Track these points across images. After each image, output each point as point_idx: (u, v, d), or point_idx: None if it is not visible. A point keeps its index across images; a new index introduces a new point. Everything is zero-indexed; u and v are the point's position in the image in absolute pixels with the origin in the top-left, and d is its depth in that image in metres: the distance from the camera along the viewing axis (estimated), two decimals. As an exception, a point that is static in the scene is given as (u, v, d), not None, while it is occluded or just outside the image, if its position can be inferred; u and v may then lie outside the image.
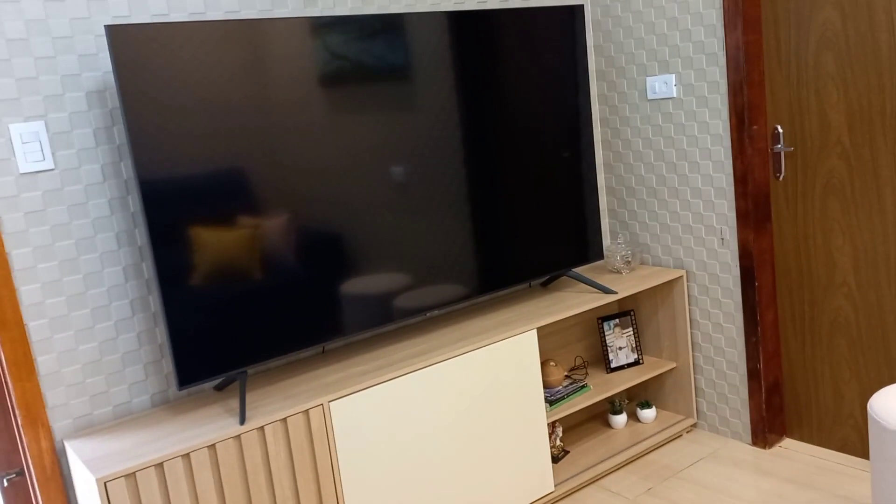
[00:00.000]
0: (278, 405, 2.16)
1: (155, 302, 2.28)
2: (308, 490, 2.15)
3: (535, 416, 2.63)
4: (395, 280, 2.47)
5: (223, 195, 2.14)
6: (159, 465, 1.93)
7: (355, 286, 2.39)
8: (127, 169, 2.21)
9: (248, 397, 2.26)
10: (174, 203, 2.06)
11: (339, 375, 2.33)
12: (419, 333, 2.64)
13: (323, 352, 2.58)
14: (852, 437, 2.80)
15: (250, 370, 2.47)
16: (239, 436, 2.04)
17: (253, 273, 2.20)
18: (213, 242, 2.13)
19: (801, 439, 2.96)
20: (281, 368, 2.48)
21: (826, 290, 2.77)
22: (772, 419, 2.94)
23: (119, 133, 2.20)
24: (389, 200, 2.44)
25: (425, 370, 2.35)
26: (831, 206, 2.70)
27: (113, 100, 2.18)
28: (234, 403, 2.23)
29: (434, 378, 2.37)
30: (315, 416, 2.15)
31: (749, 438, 2.99)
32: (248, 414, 2.12)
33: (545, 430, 2.66)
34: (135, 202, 2.23)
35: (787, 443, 2.97)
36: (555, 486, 2.73)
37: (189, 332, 2.11)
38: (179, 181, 2.07)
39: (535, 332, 2.60)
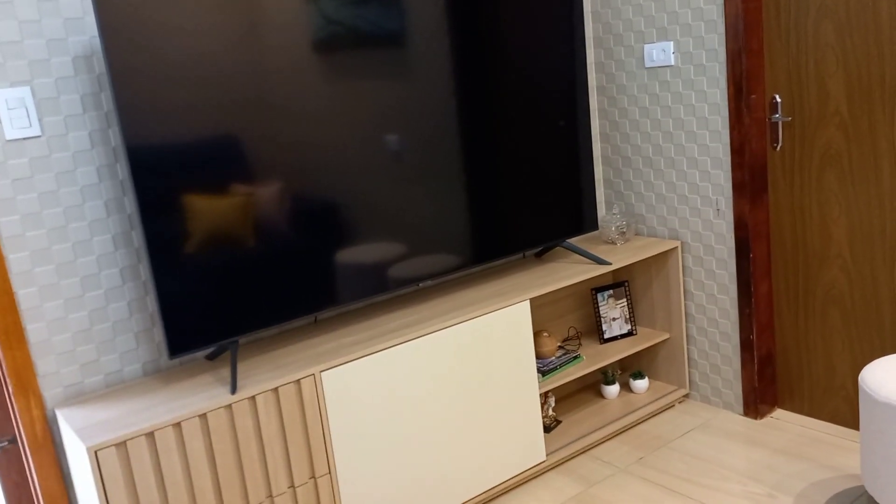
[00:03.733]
0: (270, 375, 2.15)
1: (145, 271, 2.26)
2: (300, 459, 2.16)
3: (527, 387, 2.63)
4: (388, 249, 2.46)
5: (214, 163, 2.11)
6: (150, 435, 1.93)
7: (348, 256, 2.37)
8: (115, 136, 2.18)
9: (240, 367, 2.25)
10: (163, 171, 2.03)
11: (331, 345, 2.32)
12: (412, 304, 2.63)
13: (315, 322, 2.57)
14: (843, 409, 2.81)
15: (242, 340, 2.46)
16: (230, 405, 2.04)
17: (245, 242, 2.18)
18: (204, 211, 2.11)
19: (793, 410, 2.97)
20: (272, 338, 2.47)
21: (821, 263, 2.76)
22: (763, 390, 2.96)
23: (107, 99, 2.16)
24: (383, 169, 2.41)
25: (418, 340, 2.35)
26: (828, 177, 2.68)
27: (100, 65, 2.14)
28: (226, 373, 2.23)
29: (426, 348, 2.37)
30: (307, 385, 2.15)
31: (741, 409, 3.00)
32: (239, 383, 2.12)
33: (537, 401, 2.67)
34: (123, 170, 2.21)
35: (779, 413, 2.98)
36: (546, 455, 2.75)
37: (180, 301, 2.09)
38: (169, 149, 2.04)
39: (528, 302, 2.59)
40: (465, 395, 2.48)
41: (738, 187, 2.80)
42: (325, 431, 2.19)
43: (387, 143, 2.41)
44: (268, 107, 2.18)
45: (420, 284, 2.54)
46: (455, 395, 2.45)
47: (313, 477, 2.19)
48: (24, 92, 2.03)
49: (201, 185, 2.09)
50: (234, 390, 2.06)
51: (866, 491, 2.42)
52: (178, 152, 2.05)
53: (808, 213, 2.76)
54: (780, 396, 3.00)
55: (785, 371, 2.96)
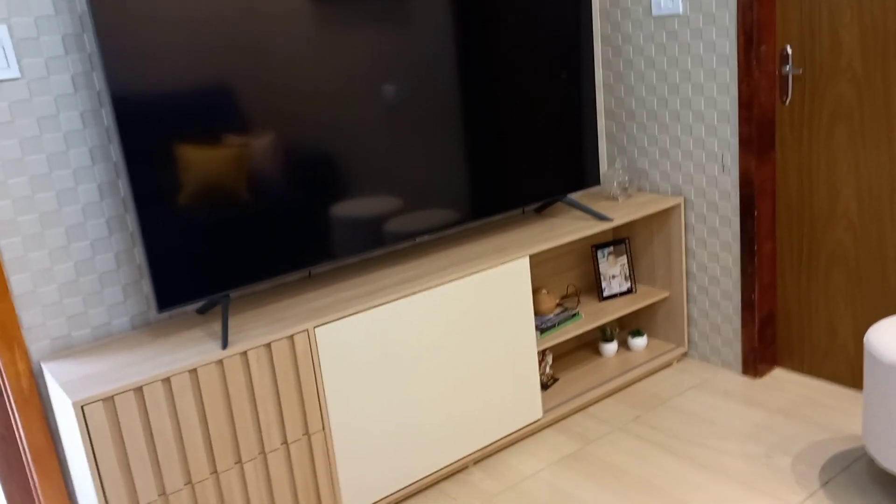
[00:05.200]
0: (262, 330, 2.10)
1: (132, 221, 2.18)
2: (293, 416, 2.12)
3: (525, 344, 2.58)
4: (385, 203, 2.38)
5: (205, 111, 2.02)
6: (138, 389, 1.87)
7: (344, 209, 2.30)
8: (100, 80, 2.08)
9: (232, 321, 2.19)
10: (150, 119, 1.94)
11: (326, 301, 2.26)
12: (409, 259, 2.57)
13: (309, 276, 2.50)
14: (843, 369, 2.78)
15: (233, 294, 2.40)
16: (221, 360, 1.98)
17: (237, 194, 2.10)
18: (194, 161, 2.02)
19: (792, 370, 2.94)
20: (265, 292, 2.41)
21: (827, 222, 2.70)
22: (763, 350, 2.92)
23: (90, 41, 2.05)
24: (380, 120, 2.32)
25: (414, 296, 2.29)
26: (838, 133, 2.60)
27: (82, 4, 2.03)
28: (217, 327, 2.17)
29: (423, 304, 2.31)
30: (300, 341, 2.09)
31: (739, 368, 2.97)
32: (230, 338, 2.06)
33: (535, 358, 2.62)
34: (108, 116, 2.11)
35: (778, 373, 2.95)
36: (543, 412, 2.72)
37: (168, 253, 2.02)
38: (156, 95, 1.94)
39: (527, 258, 2.53)
40: (462, 352, 2.43)
41: (745, 142, 2.72)
42: (319, 388, 2.15)
43: (385, 93, 2.32)
44: (261, 53, 2.08)
45: (417, 239, 2.47)
46: (452, 352, 2.40)
47: (307, 433, 2.15)
48: (2, 31, 1.93)
49: (191, 134, 2.00)
50: (225, 345, 2.01)
51: (867, 452, 2.40)
52: (165, 99, 1.96)
53: (816, 170, 2.68)
54: (780, 356, 2.97)
55: (786, 331, 2.92)
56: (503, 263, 2.47)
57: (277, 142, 2.15)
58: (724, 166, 2.81)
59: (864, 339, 2.13)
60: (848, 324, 2.73)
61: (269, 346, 2.05)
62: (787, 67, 2.67)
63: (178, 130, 1.99)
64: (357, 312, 2.19)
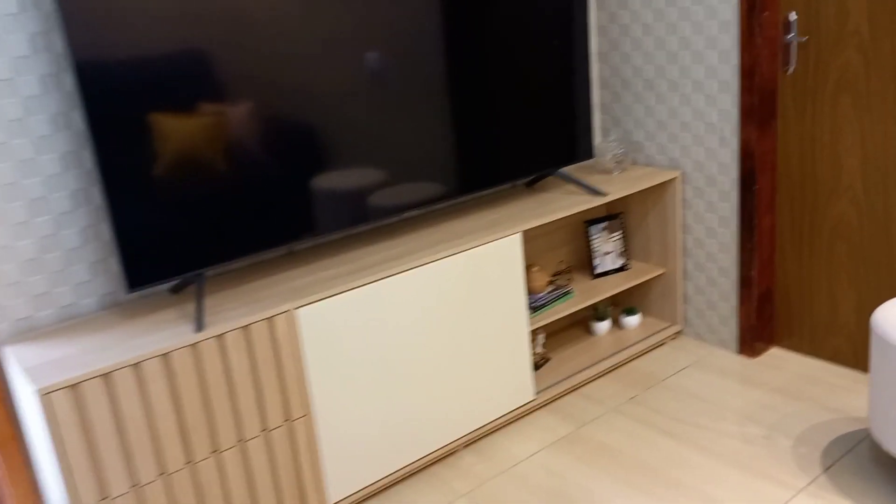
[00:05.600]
0: (240, 311, 1.97)
1: (99, 195, 2.04)
2: (274, 401, 2.00)
3: (517, 324, 2.47)
4: (370, 176, 2.25)
5: (176, 78, 1.87)
6: (107, 376, 1.75)
7: (326, 182, 2.16)
8: (61, 42, 1.92)
9: (207, 302, 2.06)
10: (116, 86, 1.79)
11: (308, 279, 2.14)
12: (395, 235, 2.44)
13: (290, 253, 2.37)
14: (844, 348, 2.70)
15: (209, 272, 2.26)
16: (196, 344, 1.86)
17: (212, 165, 1.96)
18: (166, 131, 1.88)
19: (790, 349, 2.86)
20: (243, 270, 2.28)
21: (830, 195, 2.60)
22: (761, 328, 2.83)
23: (49, -2, 1.90)
24: (364, 89, 2.18)
25: (402, 275, 2.17)
26: (843, 103, 2.49)
27: (40, -42, 1.87)
28: (191, 308, 2.04)
29: (411, 283, 2.19)
30: (281, 323, 1.97)
31: (736, 347, 2.89)
32: (206, 320, 1.93)
33: (527, 339, 2.52)
34: (70, 81, 1.96)
35: (775, 352, 2.87)
36: (535, 393, 2.62)
37: (138, 229, 1.88)
38: (124, 60, 1.79)
39: (520, 235, 2.41)
40: (452, 333, 2.32)
41: (747, 113, 2.61)
42: (302, 371, 2.03)
43: (368, 61, 2.18)
44: (237, 15, 1.93)
45: (404, 214, 2.34)
46: (441, 333, 2.29)
47: (289, 419, 2.04)
48: (-49, -14, 1.76)
49: (162, 101, 1.86)
50: (199, 328, 1.88)
51: (870, 435, 2.33)
52: (133, 64, 1.81)
53: (819, 141, 2.58)
54: (778, 334, 2.88)
55: (784, 308, 2.83)
56: (495, 240, 2.36)
57: (255, 111, 2.00)
58: (723, 138, 2.70)
59: (871, 319, 2.04)
60: (850, 301, 2.64)
61: (247, 328, 1.92)
62: (791, 35, 2.55)
63: (148, 98, 1.84)
64: (341, 292, 2.06)
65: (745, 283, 2.78)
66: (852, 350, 2.68)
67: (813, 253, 2.69)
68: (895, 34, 2.32)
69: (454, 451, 2.45)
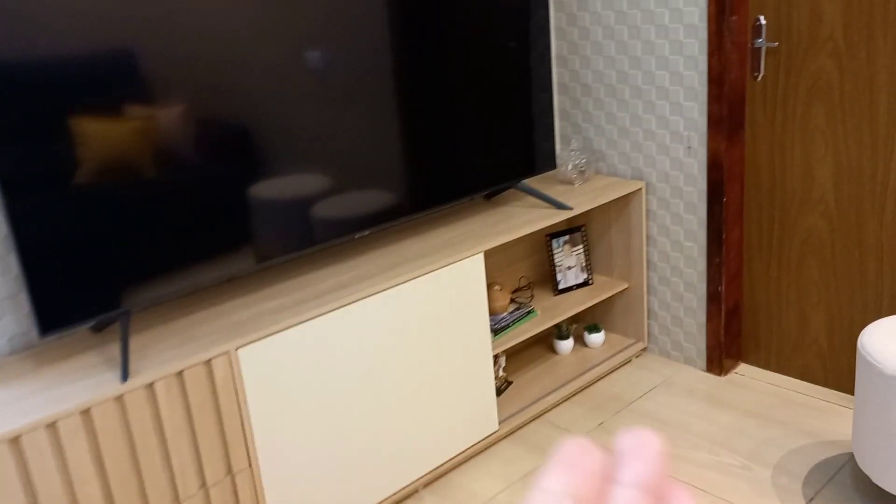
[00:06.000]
0: (172, 353, 1.73)
1: (3, 220, 1.77)
2: (213, 454, 1.77)
3: (479, 351, 2.29)
4: (317, 188, 2.03)
5: (94, 78, 1.62)
6: (15, 440, 1.49)
7: (270, 197, 1.93)
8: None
9: (135, 342, 1.82)
10: (18, 86, 1.53)
11: (250, 312, 1.91)
12: (346, 257, 2.23)
13: (230, 280, 2.14)
14: (814, 366, 2.61)
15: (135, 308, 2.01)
16: (121, 396, 1.62)
17: (139, 180, 1.71)
18: (83, 138, 1.62)
19: (758, 365, 2.76)
20: (176, 302, 2.03)
21: (801, 207, 2.49)
22: (729, 345, 2.72)
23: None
24: (307, 91, 1.96)
25: (355, 305, 1.96)
26: (815, 112, 2.38)
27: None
28: (116, 349, 1.79)
29: (365, 314, 1.98)
30: (220, 366, 1.74)
31: (703, 364, 2.77)
32: (133, 366, 1.69)
33: (490, 366, 2.34)
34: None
35: (743, 369, 2.76)
36: (499, 423, 2.44)
37: (51, 262, 1.63)
38: (30, 56, 1.53)
39: (481, 255, 2.23)
40: (409, 366, 2.12)
41: (715, 122, 2.48)
42: (245, 420, 1.80)
43: (310, 59, 1.96)
44: (169, 9, 1.68)
45: (356, 235, 2.13)
46: (397, 366, 2.09)
47: (230, 473, 1.81)
48: None
49: (77, 105, 1.60)
50: (125, 376, 1.64)
51: (851, 461, 2.22)
52: (45, 62, 1.55)
53: (790, 151, 2.47)
54: (745, 351, 2.78)
55: (752, 324, 2.72)
56: (454, 262, 2.17)
57: (189, 115, 1.76)
58: (689, 148, 2.57)
59: (859, 343, 1.93)
60: (821, 316, 2.54)
61: (180, 374, 1.69)
62: (760, 40, 2.43)
63: (61, 101, 1.58)
64: (287, 328, 1.84)
65: (712, 298, 2.66)
66: (822, 367, 2.59)
67: (782, 267, 2.59)
68: (872, 40, 2.22)
69: (414, 493, 2.26)
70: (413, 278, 2.07)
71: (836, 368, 2.55)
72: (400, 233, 2.40)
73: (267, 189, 1.93)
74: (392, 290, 2.03)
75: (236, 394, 1.77)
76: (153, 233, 1.75)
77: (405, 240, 2.33)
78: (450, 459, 2.30)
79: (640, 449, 0.27)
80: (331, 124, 2.02)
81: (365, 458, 2.06)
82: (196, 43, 1.75)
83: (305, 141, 1.97)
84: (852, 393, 2.53)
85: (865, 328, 1.97)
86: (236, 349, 1.76)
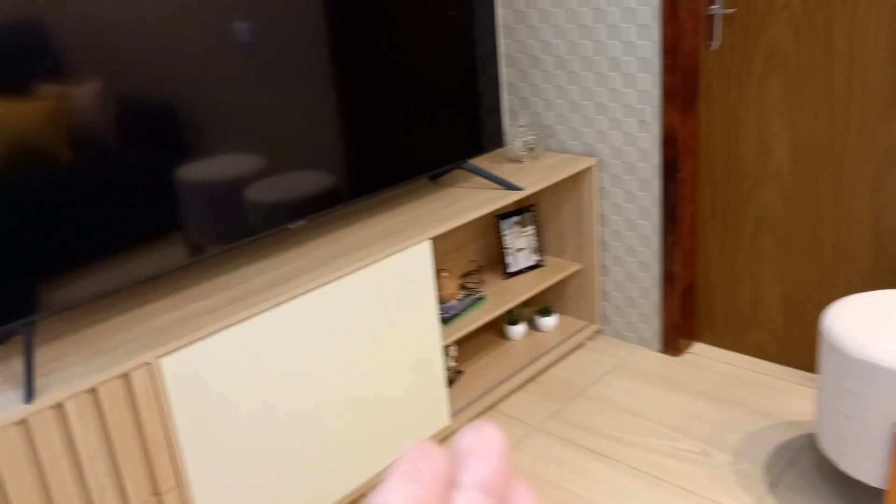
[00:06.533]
0: (85, 367, 1.54)
1: None
2: (136, 476, 1.59)
3: (429, 343, 2.16)
4: (244, 183, 1.85)
5: (-32, 64, 1.39)
6: None
7: (191, 189, 1.74)
8: None
9: (41, 355, 1.62)
10: None
11: (174, 316, 1.72)
12: (282, 250, 2.05)
13: (150, 280, 1.94)
14: (768, 343, 2.55)
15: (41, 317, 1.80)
16: (25, 419, 1.42)
17: (39, 172, 1.50)
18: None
19: (712, 344, 2.69)
20: (88, 307, 1.83)
21: (755, 182, 2.41)
22: (684, 325, 2.64)
23: None
24: (233, 63, 1.77)
25: (293, 302, 1.79)
26: (771, 82, 2.29)
27: None
28: (18, 363, 1.59)
29: (304, 311, 1.82)
30: (139, 379, 1.56)
31: (657, 345, 2.69)
32: (38, 384, 1.50)
33: (441, 358, 2.20)
34: None
35: (697, 348, 2.69)
36: (451, 418, 2.32)
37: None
38: None
39: (429, 243, 2.08)
40: (354, 366, 1.97)
41: (669, 95, 2.37)
42: (170, 435, 1.63)
43: (237, 32, 1.76)
44: (52, -21, 1.46)
45: (291, 226, 1.96)
46: (340, 367, 1.94)
47: (157, 493, 1.64)
48: None
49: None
50: (29, 397, 1.44)
51: (811, 441, 2.17)
52: None
53: (745, 125, 2.37)
54: (700, 330, 2.71)
55: (707, 302, 2.65)
56: (399, 251, 2.01)
57: (103, 95, 1.55)
58: (642, 122, 2.45)
59: (822, 326, 1.85)
60: (774, 292, 2.48)
61: (94, 391, 1.50)
62: (716, 6, 2.32)
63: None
64: (216, 332, 1.67)
65: (667, 277, 2.57)
66: (776, 343, 2.53)
67: (737, 244, 2.51)
68: (830, 6, 2.12)
69: (361, 498, 2.12)
70: (355, 270, 1.91)
71: (790, 345, 2.50)
72: (340, 221, 2.23)
73: (190, 175, 1.73)
74: (332, 284, 1.87)
75: (160, 408, 1.60)
76: (60, 228, 1.54)
77: (345, 228, 2.17)
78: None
79: (481, 446, 0.27)
80: (257, 102, 1.83)
81: (308, 467, 1.91)
82: (112, 13, 1.53)
83: (227, 121, 1.78)
84: (807, 370, 2.49)
85: (828, 309, 1.90)
86: (158, 358, 1.58)
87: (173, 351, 1.60)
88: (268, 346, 1.76)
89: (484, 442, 0.27)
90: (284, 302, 1.78)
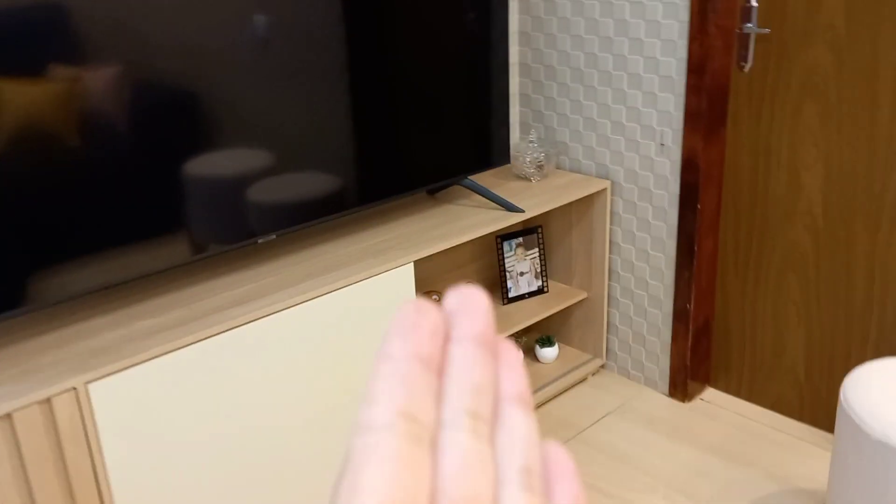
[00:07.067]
0: (2, 389, 1.39)
1: None
2: (56, 511, 1.44)
3: (407, 375, 1.97)
4: (216, 189, 1.68)
5: None
6: None
7: (148, 192, 1.58)
8: None
9: (-36, 369, 1.47)
10: None
11: (115, 335, 1.56)
12: (251, 264, 1.89)
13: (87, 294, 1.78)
14: (789, 396, 2.32)
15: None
16: (-76, 447, 1.27)
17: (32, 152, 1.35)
18: None
19: (727, 391, 2.47)
20: (15, 322, 1.68)
21: (784, 218, 2.19)
22: (696, 368, 2.42)
23: None
24: (245, 62, 1.60)
25: (249, 326, 1.62)
26: (807, 110, 2.06)
27: None
28: (-61, 379, 1.44)
29: (263, 336, 1.65)
30: (63, 405, 1.40)
31: (666, 388, 2.47)
32: (-52, 405, 1.34)
33: (420, 391, 2.02)
34: None
35: (710, 395, 2.47)
36: (429, 456, 2.13)
37: None
38: None
39: (411, 266, 1.89)
40: (320, 399, 1.79)
41: (692, 117, 2.15)
42: (98, 471, 1.47)
43: (257, 23, 1.60)
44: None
45: (259, 240, 1.79)
46: (305, 401, 1.76)
47: (82, 531, 1.48)
48: None
49: None
50: (-68, 422, 1.29)
51: (823, 516, 1.95)
52: None
53: (776, 155, 2.15)
54: (714, 375, 2.48)
55: (723, 345, 2.43)
56: (377, 274, 1.83)
57: (116, 82, 1.40)
58: (662, 145, 2.24)
59: (841, 393, 1.63)
60: (799, 341, 2.25)
61: (8, 417, 1.35)
62: (750, 24, 2.10)
63: None
64: (158, 356, 1.50)
65: (679, 315, 2.36)
66: (798, 398, 2.30)
67: (759, 284, 2.29)
68: (877, 29, 1.89)
69: (323, 538, 1.95)
70: (325, 293, 1.74)
71: (812, 400, 2.27)
72: (320, 234, 2.06)
73: (163, 175, 1.57)
74: (298, 307, 1.70)
75: (87, 440, 1.43)
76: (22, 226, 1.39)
77: (326, 244, 1.99)
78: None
79: (467, 306, 0.27)
80: (249, 97, 1.66)
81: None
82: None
83: (200, 120, 1.62)
84: (829, 430, 2.25)
85: (849, 375, 1.67)
86: (86, 384, 1.42)
87: (106, 376, 1.44)
88: (219, 374, 1.59)
89: (468, 301, 0.28)
90: (240, 325, 1.61)
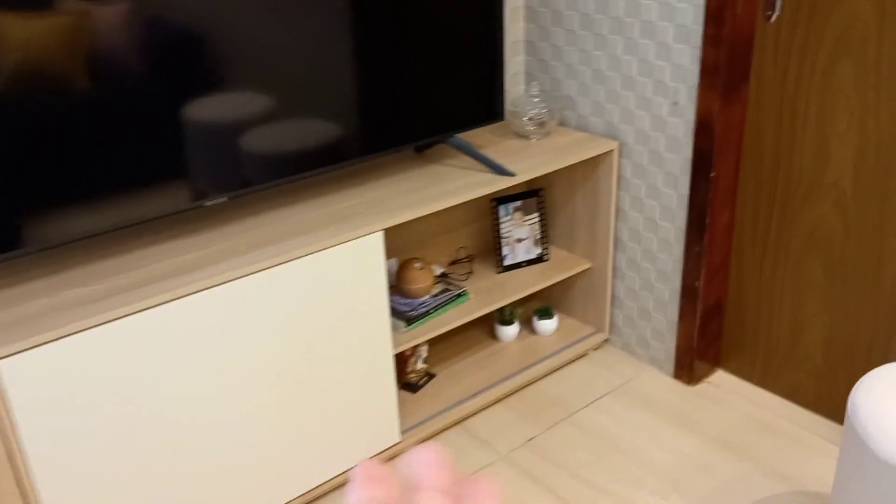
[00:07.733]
0: None
1: None
2: (-30, 492, 1.34)
3: (375, 353, 1.83)
4: (178, 138, 1.53)
5: None
6: None
7: (113, 135, 1.44)
8: None
9: None
10: None
11: (41, 303, 1.44)
12: (208, 226, 1.74)
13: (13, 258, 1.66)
14: (806, 385, 2.11)
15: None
16: None
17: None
18: None
19: (739, 376, 2.27)
20: (-32, 275, 1.57)
21: (809, 191, 1.95)
22: (704, 348, 2.23)
23: None
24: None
25: (190, 298, 1.49)
26: (841, 69, 1.80)
27: None
28: None
29: (206, 308, 1.51)
30: (-30, 383, 1.29)
31: (671, 369, 2.29)
32: None
33: (391, 370, 1.88)
34: None
35: (720, 377, 2.28)
36: (401, 434, 2.00)
37: None
38: None
39: (381, 234, 1.73)
40: (277, 378, 1.66)
41: (709, 72, 1.91)
42: (15, 454, 1.36)
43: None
44: None
45: (209, 203, 1.64)
46: (259, 379, 1.63)
47: (2, 512, 1.39)
48: None
49: None
50: None
51: (827, 525, 1.76)
52: None
53: (803, 119, 1.90)
54: (725, 356, 2.28)
55: (736, 326, 2.22)
56: (343, 242, 1.67)
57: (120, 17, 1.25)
58: (675, 104, 2.01)
59: (849, 404, 1.43)
60: (819, 328, 2.03)
61: None
62: (781, -34, 1.83)
63: None
64: (83, 329, 1.38)
65: (688, 293, 2.15)
66: (814, 388, 2.09)
67: (778, 262, 2.06)
68: (928, -22, 1.61)
69: (281, 518, 1.85)
70: (281, 263, 1.59)
71: (830, 392, 2.06)
72: (284, 196, 1.90)
73: (114, 117, 1.42)
74: (249, 277, 1.55)
75: (0, 419, 1.33)
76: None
77: (292, 206, 1.83)
78: (330, 480, 1.87)
79: (430, 462, 0.29)
80: (224, 39, 1.49)
81: (207, 492, 1.63)
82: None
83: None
84: (847, 425, 2.04)
85: (860, 381, 1.46)
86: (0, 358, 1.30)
87: (19, 352, 1.32)
88: (153, 349, 1.47)
89: (430, 459, 0.29)
90: (180, 297, 1.47)
